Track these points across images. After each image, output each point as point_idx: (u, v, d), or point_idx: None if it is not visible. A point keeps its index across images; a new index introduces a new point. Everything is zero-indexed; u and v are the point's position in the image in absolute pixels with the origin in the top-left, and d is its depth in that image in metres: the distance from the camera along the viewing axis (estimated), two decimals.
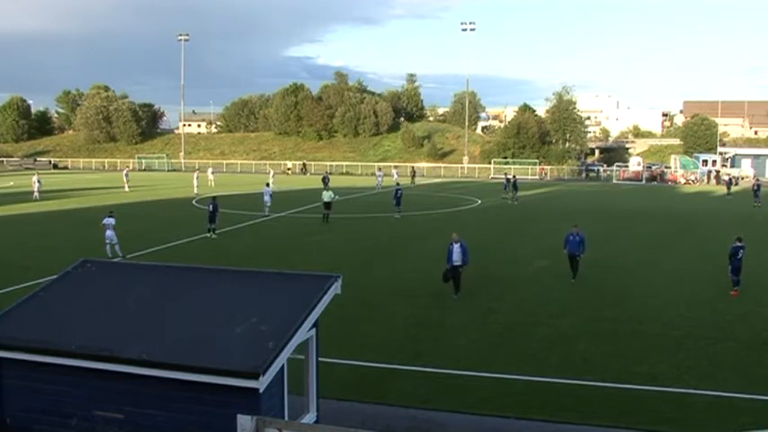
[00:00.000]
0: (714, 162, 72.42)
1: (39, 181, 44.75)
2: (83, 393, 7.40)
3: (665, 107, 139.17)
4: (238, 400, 6.71)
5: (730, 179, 57.28)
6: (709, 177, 69.54)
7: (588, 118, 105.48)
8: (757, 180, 50.18)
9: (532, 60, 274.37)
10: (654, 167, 75.14)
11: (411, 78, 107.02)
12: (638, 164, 75.61)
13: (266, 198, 35.60)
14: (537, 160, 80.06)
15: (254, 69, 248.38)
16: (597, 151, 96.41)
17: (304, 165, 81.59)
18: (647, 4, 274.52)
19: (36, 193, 43.65)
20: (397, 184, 41.62)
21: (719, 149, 78.90)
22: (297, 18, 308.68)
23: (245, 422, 6.27)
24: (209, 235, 27.48)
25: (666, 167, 76.41)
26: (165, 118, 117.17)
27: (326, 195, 33.56)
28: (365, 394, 11.17)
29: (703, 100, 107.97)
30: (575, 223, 19.93)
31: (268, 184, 36.73)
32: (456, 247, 17.20)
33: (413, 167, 69.74)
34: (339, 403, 10.31)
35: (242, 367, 6.72)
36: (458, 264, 17.18)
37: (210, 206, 28.00)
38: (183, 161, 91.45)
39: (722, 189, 54.82)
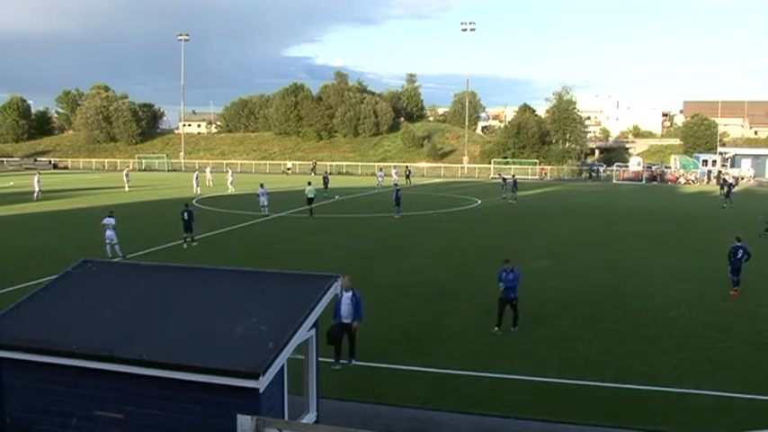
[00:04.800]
0: (714, 162, 72.39)
1: (39, 181, 44.92)
2: (83, 393, 7.40)
3: (665, 107, 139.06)
4: (238, 400, 6.71)
5: (723, 181, 57.40)
6: (708, 177, 69.53)
7: (588, 118, 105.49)
8: (730, 181, 49.98)
9: (532, 60, 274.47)
10: (654, 167, 75.14)
11: (411, 78, 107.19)
12: (638, 164, 75.60)
13: (262, 199, 35.51)
14: (537, 160, 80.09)
15: (253, 69, 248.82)
16: (597, 151, 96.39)
17: (314, 164, 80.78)
18: (646, 4, 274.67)
19: (37, 193, 43.78)
20: (396, 184, 41.67)
21: (719, 149, 78.88)
22: (296, 18, 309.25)
23: (245, 422, 6.27)
24: (185, 246, 25.10)
25: (666, 167, 76.40)
26: (164, 118, 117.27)
27: (309, 191, 35.37)
28: (365, 394, 11.17)
29: (703, 100, 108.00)
30: (506, 257, 15.14)
31: (262, 185, 36.49)
32: (346, 297, 12.39)
33: (407, 167, 69.74)
34: (339, 403, 10.31)
35: (242, 367, 6.72)
36: (347, 321, 12.51)
37: (185, 213, 25.69)
38: (183, 161, 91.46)
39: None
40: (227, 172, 57.91)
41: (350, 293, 12.43)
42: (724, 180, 57.60)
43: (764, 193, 57.33)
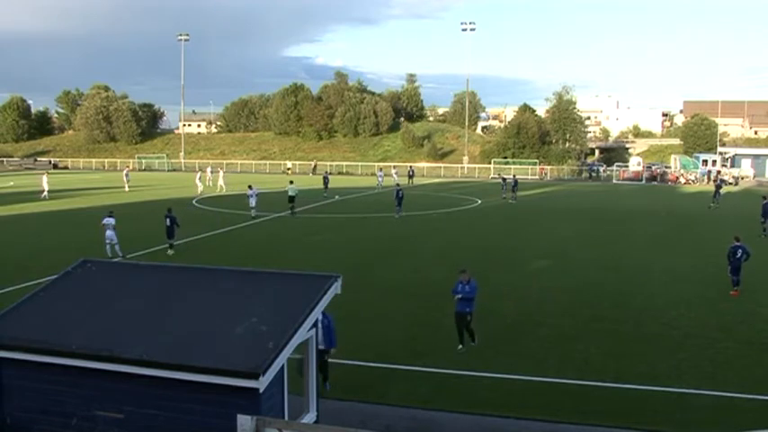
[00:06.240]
0: (714, 162, 72.38)
1: (47, 180, 45.40)
2: (83, 393, 7.40)
3: (665, 107, 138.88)
4: (238, 400, 6.71)
5: (721, 180, 57.44)
6: (709, 177, 69.53)
7: (588, 118, 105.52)
8: (720, 179, 49.89)
9: (532, 60, 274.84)
10: (654, 167, 75.16)
11: (411, 78, 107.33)
12: (638, 164, 75.63)
13: (251, 201, 34.84)
14: (537, 160, 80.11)
15: (253, 69, 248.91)
16: (597, 151, 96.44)
17: (315, 164, 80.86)
18: (646, 4, 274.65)
19: (45, 193, 44.15)
20: (397, 184, 41.68)
21: (719, 149, 78.88)
22: (296, 18, 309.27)
23: (245, 422, 6.27)
24: (169, 252, 23.81)
25: (666, 167, 76.41)
26: (164, 118, 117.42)
27: (290, 190, 36.33)
28: (365, 394, 11.16)
29: (703, 100, 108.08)
30: (462, 268, 14.03)
31: (250, 187, 35.99)
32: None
33: (410, 167, 69.77)
34: (339, 403, 10.31)
35: (242, 367, 6.72)
36: (320, 347, 10.49)
37: (168, 219, 24.32)
38: (183, 161, 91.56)
39: (724, 189, 54.89)
40: (217, 172, 58.02)
41: (320, 317, 9.92)
42: (722, 180, 57.76)
43: (764, 193, 57.25)
